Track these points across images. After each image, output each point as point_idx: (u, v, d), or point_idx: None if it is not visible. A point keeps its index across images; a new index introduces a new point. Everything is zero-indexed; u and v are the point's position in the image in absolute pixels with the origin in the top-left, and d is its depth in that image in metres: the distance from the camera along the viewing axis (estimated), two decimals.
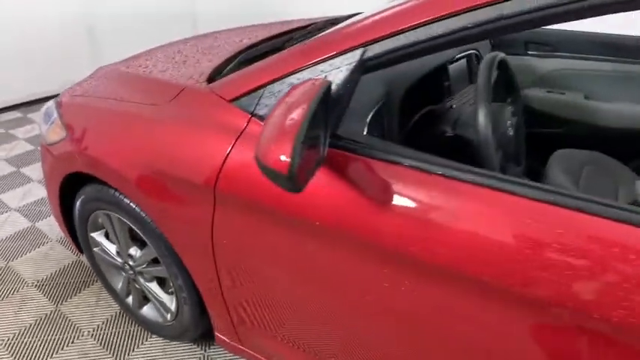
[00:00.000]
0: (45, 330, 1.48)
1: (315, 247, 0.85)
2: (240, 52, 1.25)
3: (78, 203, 1.34)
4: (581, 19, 0.64)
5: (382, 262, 0.76)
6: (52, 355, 1.39)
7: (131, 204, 1.17)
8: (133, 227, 1.23)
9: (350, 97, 0.79)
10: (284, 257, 0.91)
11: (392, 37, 0.72)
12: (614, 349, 0.59)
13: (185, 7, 4.11)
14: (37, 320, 1.51)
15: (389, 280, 0.76)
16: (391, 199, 0.71)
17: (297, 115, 0.61)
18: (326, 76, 0.78)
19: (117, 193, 1.19)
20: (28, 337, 1.45)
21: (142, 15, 3.72)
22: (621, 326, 0.55)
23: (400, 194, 0.71)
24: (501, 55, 1.19)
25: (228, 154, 0.89)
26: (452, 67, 1.29)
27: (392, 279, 0.75)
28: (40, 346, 1.42)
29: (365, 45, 0.74)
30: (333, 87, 0.75)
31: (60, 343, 1.43)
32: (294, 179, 0.58)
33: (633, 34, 1.72)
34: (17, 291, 1.64)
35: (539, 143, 1.53)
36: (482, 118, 0.92)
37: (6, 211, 2.09)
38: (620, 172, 1.32)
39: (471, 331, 0.71)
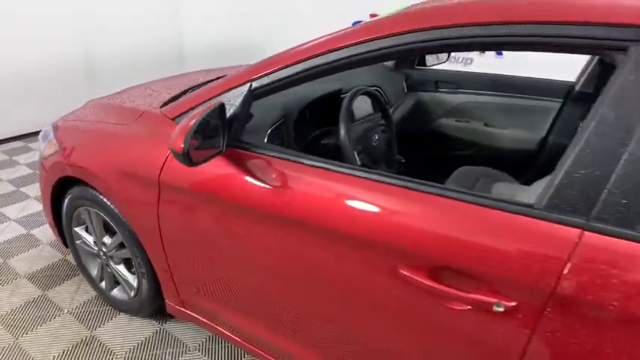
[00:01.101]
0: (32, 310, 1.81)
1: (225, 219, 1.22)
2: (191, 87, 1.66)
3: (66, 201, 1.72)
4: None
5: (274, 226, 1.11)
6: (36, 327, 1.72)
7: (105, 200, 1.54)
8: (106, 219, 1.60)
9: (246, 114, 1.18)
10: (206, 230, 1.27)
11: (267, 75, 1.12)
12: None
13: (173, 47, 4.62)
14: (26, 302, 1.85)
15: (279, 239, 1.11)
16: (273, 179, 1.08)
17: (192, 121, 1.00)
18: (230, 100, 1.17)
19: (95, 192, 1.56)
20: (19, 314, 1.78)
21: (134, 54, 4.21)
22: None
23: (277, 176, 1.08)
24: (365, 89, 1.58)
25: (168, 156, 1.27)
26: (360, 98, 1.70)
27: (281, 237, 1.10)
28: (27, 320, 1.75)
29: (251, 80, 1.14)
30: (234, 108, 1.15)
31: (44, 319, 1.76)
32: (187, 158, 0.97)
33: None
34: (12, 281, 1.97)
35: (452, 163, 1.75)
36: (342, 131, 1.32)
37: (6, 221, 2.45)
38: (508, 183, 1.58)
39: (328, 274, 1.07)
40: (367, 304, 1.02)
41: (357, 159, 1.33)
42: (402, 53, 0.99)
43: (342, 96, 1.65)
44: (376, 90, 1.86)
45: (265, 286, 1.24)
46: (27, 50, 3.60)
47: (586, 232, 0.75)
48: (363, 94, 1.53)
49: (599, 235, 0.74)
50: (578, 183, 0.76)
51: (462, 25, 0.89)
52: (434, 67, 2.37)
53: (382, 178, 0.95)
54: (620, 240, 0.72)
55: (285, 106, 1.42)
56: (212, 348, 1.65)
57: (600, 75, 1.77)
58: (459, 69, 3.20)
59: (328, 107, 1.53)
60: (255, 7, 4.79)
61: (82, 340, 1.67)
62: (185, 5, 4.62)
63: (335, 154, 1.37)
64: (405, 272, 0.90)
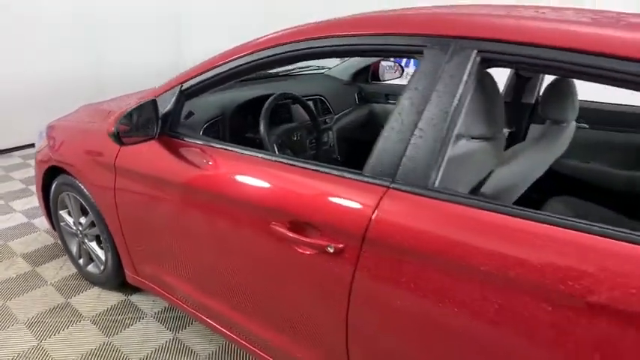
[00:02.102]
0: (21, 281, 2.12)
1: (162, 196, 1.50)
2: None
3: (52, 188, 2.04)
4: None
5: (199, 199, 1.37)
6: (22, 295, 2.02)
7: (80, 185, 1.85)
8: (82, 201, 1.90)
9: (179, 111, 1.47)
10: (149, 206, 1.56)
11: (193, 77, 1.42)
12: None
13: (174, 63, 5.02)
14: (17, 275, 2.16)
15: (202, 210, 1.38)
16: (199, 161, 1.35)
17: (123, 113, 1.30)
18: (165, 100, 1.47)
19: (72, 178, 1.88)
20: (9, 284, 2.09)
21: (141, 72, 4.62)
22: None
23: (203, 159, 1.36)
24: (290, 94, 1.86)
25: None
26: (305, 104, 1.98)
27: (204, 208, 1.37)
28: (16, 289, 2.05)
29: (182, 83, 1.44)
30: (168, 105, 1.44)
31: (30, 288, 2.06)
32: (117, 138, 1.28)
33: None
34: (9, 258, 2.30)
35: None
36: (262, 127, 1.60)
37: (12, 212, 2.81)
38: None
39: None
40: (254, 254, 1.27)
41: (276, 149, 1.60)
42: (295, 59, 1.28)
43: (285, 101, 1.94)
44: (319, 98, 2.14)
45: (195, 252, 1.50)
46: (42, 67, 4.03)
47: (389, 190, 0.99)
48: (288, 99, 1.81)
49: (398, 192, 0.98)
50: (385, 155, 1.01)
51: (322, 38, 1.17)
52: (387, 82, 2.64)
53: (273, 158, 1.22)
54: (413, 195, 0.96)
55: (222, 107, 1.72)
56: (166, 316, 1.91)
57: (515, 86, 2.00)
58: None
59: (259, 109, 1.83)
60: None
61: (57, 306, 1.96)
62: (184, 27, 5.05)
63: (260, 145, 1.66)
64: (274, 226, 1.15)
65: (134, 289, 2.02)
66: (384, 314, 1.02)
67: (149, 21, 4.72)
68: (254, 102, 1.78)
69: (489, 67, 1.00)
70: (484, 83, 1.15)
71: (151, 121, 1.39)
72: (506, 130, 2.12)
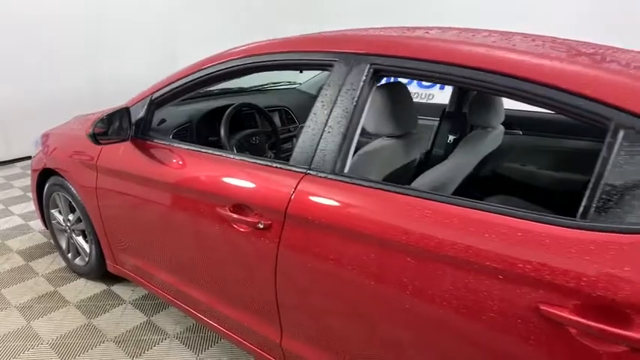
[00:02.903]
0: (16, 273, 2.35)
1: (136, 191, 1.73)
2: None
3: (45, 188, 2.29)
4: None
5: (165, 194, 1.62)
6: (16, 284, 2.25)
7: (69, 185, 2.10)
8: (70, 200, 2.15)
9: (150, 117, 1.72)
10: (125, 200, 1.79)
11: (161, 89, 1.67)
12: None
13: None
14: (12, 268, 2.40)
15: (169, 201, 1.62)
16: (168, 160, 1.60)
17: (100, 118, 1.56)
18: (138, 108, 1.72)
19: (62, 179, 2.13)
20: (4, 275, 2.32)
21: (137, 87, 4.93)
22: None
23: (171, 157, 1.60)
24: (249, 104, 2.13)
25: (102, 148, 1.82)
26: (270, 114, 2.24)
27: (170, 199, 1.61)
28: (10, 280, 2.28)
29: (152, 94, 1.70)
30: (140, 112, 1.69)
31: (23, 279, 2.29)
32: (93, 138, 1.53)
33: None
34: (5, 254, 2.54)
35: None
36: (222, 132, 1.85)
37: (11, 215, 3.06)
38: None
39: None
40: (206, 236, 1.50)
41: (235, 150, 1.85)
42: (240, 72, 1.53)
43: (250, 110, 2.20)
44: (284, 109, 2.39)
45: (162, 239, 1.73)
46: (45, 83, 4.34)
47: (306, 175, 1.23)
48: (248, 108, 2.07)
49: (313, 177, 1.22)
50: (304, 147, 1.25)
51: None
52: None
53: (225, 155, 1.45)
54: (323, 179, 1.20)
55: (191, 115, 1.98)
56: (143, 303, 2.13)
57: (457, 98, 2.25)
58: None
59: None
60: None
61: (46, 293, 2.19)
62: (179, 42, 5.37)
63: (222, 147, 1.91)
64: (219, 211, 1.39)
65: (116, 280, 2.25)
66: (302, 277, 1.25)
67: (145, 37, 5.03)
68: (219, 111, 2.04)
69: (381, 77, 1.24)
70: (391, 91, 1.40)
71: (124, 125, 1.64)
72: (451, 137, 2.36)
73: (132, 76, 4.93)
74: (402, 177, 1.54)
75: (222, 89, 2.59)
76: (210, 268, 1.57)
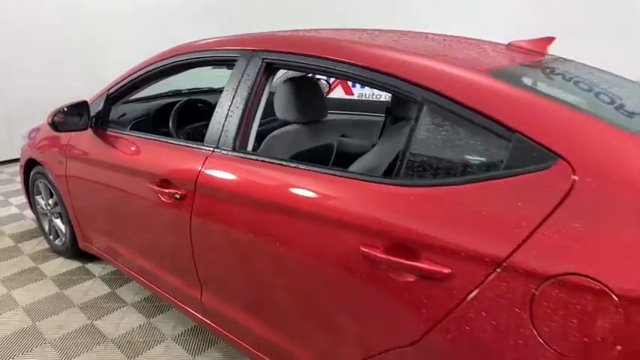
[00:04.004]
0: (3, 252, 2.65)
1: (96, 175, 2.00)
2: None
3: (30, 176, 2.59)
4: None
5: (123, 174, 1.88)
6: (2, 261, 2.54)
7: (47, 173, 2.39)
8: (49, 186, 2.44)
9: (107, 110, 1.99)
10: (88, 183, 2.07)
11: (114, 85, 1.94)
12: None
13: None
14: (2, 248, 2.70)
15: (125, 183, 1.89)
16: (122, 146, 1.87)
17: (60, 109, 1.83)
18: (98, 103, 1.99)
19: (43, 168, 2.42)
20: None
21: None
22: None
23: (125, 144, 1.87)
24: (197, 99, 2.39)
25: (70, 138, 2.10)
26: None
27: (125, 180, 1.88)
28: (0, 257, 2.59)
29: (108, 90, 1.97)
30: (98, 106, 1.96)
31: (9, 257, 2.59)
32: (53, 125, 1.81)
33: None
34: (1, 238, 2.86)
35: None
36: (170, 123, 2.11)
37: (8, 205, 3.39)
38: None
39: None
40: (143, 210, 1.75)
41: (182, 137, 2.12)
42: (177, 68, 1.79)
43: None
44: None
45: (115, 217, 1.99)
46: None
47: (213, 153, 1.47)
48: (197, 103, 2.33)
49: (218, 154, 1.46)
50: (213, 129, 1.49)
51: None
52: None
53: (161, 140, 1.71)
54: (225, 156, 1.44)
55: (148, 110, 2.26)
56: (110, 278, 2.40)
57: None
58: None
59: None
60: None
61: (28, 269, 2.48)
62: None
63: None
64: (150, 186, 1.63)
65: (90, 258, 2.52)
66: (209, 239, 1.48)
67: (147, 38, 5.34)
68: (173, 106, 2.31)
69: (274, 69, 1.48)
70: (297, 84, 1.63)
71: (82, 116, 1.91)
72: None
73: None
74: (310, 158, 1.77)
75: (194, 89, 2.88)
76: (150, 239, 1.82)
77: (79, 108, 1.91)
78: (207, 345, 1.89)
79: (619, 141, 0.90)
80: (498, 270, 0.89)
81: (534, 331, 0.85)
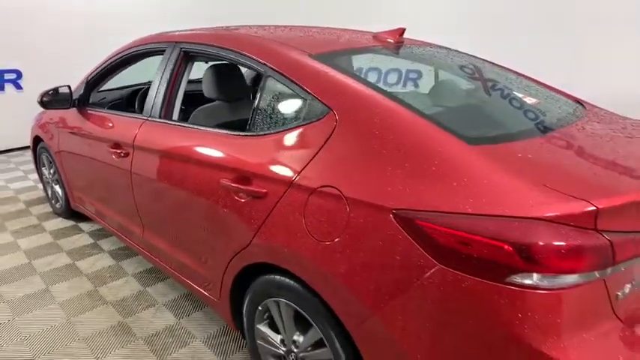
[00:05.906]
0: (17, 213, 3.23)
1: (80, 146, 2.52)
2: None
3: (37, 150, 3.17)
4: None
5: (99, 145, 2.40)
6: (15, 219, 3.13)
7: (49, 148, 2.95)
8: (50, 157, 2.99)
9: (88, 93, 2.51)
10: (74, 152, 2.59)
11: (93, 72, 2.46)
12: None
13: None
14: (16, 210, 3.29)
15: (98, 150, 2.40)
16: (99, 121, 2.38)
17: (48, 91, 2.36)
18: (80, 88, 2.51)
19: (45, 143, 2.98)
20: (8, 215, 3.21)
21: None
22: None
23: (101, 120, 2.38)
24: None
25: (60, 115, 2.64)
26: None
27: (98, 148, 2.39)
28: (12, 217, 3.17)
29: (88, 77, 2.48)
30: (80, 90, 2.48)
31: (21, 217, 3.17)
32: (41, 104, 2.35)
33: None
34: (14, 203, 3.45)
35: None
36: (137, 104, 2.60)
37: (27, 180, 4.02)
38: None
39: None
40: (107, 170, 2.24)
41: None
42: (132, 58, 2.27)
43: None
44: None
45: (93, 179, 2.50)
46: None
47: (146, 121, 1.94)
48: None
49: (148, 121, 1.92)
50: (149, 102, 1.96)
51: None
52: None
53: (121, 114, 2.20)
54: (152, 122, 1.90)
55: (122, 94, 2.77)
56: (97, 234, 2.92)
57: None
58: None
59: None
60: None
61: (32, 224, 3.05)
62: None
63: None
64: (108, 149, 2.12)
65: (83, 218, 3.06)
66: (143, 186, 1.95)
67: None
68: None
69: (191, 59, 1.93)
70: (219, 70, 2.07)
71: (66, 97, 2.43)
72: None
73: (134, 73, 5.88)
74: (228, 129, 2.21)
75: None
76: (112, 194, 2.32)
77: (64, 90, 2.43)
78: (174, 291, 2.37)
79: (370, 99, 1.29)
80: (290, 188, 1.31)
81: (304, 225, 1.26)
